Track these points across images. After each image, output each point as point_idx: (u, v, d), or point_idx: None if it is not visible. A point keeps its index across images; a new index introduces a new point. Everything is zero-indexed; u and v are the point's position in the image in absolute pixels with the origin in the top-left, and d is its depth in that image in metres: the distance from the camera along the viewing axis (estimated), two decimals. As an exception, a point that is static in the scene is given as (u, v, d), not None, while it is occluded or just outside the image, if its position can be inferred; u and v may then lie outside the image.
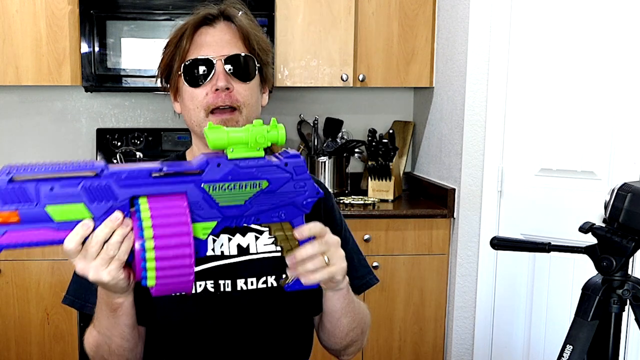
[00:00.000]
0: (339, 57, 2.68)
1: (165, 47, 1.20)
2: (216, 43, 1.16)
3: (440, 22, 2.68)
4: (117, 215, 0.83)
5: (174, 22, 2.54)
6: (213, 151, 0.90)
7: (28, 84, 2.59)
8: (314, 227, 0.97)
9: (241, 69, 1.17)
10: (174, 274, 0.84)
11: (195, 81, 1.16)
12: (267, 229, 0.97)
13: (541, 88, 2.25)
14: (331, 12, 2.65)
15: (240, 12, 1.21)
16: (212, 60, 1.15)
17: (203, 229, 0.88)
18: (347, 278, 1.07)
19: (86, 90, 2.75)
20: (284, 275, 0.99)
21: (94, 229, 0.83)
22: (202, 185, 0.87)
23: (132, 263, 0.87)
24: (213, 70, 1.15)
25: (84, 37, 2.53)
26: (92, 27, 2.52)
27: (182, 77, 1.16)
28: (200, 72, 1.15)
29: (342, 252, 1.01)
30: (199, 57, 1.15)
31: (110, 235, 0.84)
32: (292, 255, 0.96)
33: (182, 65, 1.16)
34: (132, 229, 0.84)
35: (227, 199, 0.88)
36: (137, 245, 0.83)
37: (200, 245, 0.88)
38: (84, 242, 0.84)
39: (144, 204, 0.83)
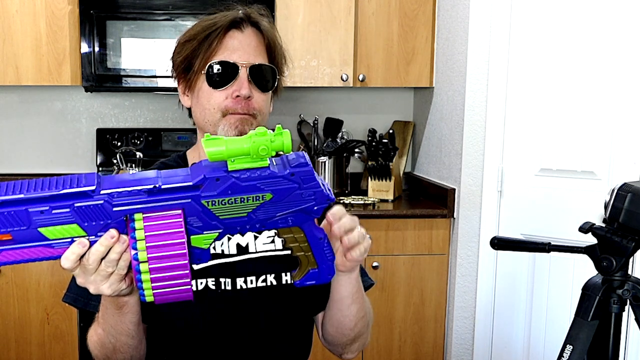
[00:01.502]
0: (339, 57, 2.68)
1: (186, 41, 1.20)
2: (243, 49, 1.18)
3: (440, 22, 2.68)
4: (112, 233, 0.82)
5: (174, 22, 2.55)
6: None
7: (28, 84, 2.59)
8: (340, 209, 0.97)
9: (263, 79, 1.19)
10: (172, 290, 0.83)
11: (217, 83, 1.17)
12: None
13: (541, 88, 2.25)
14: (331, 12, 2.65)
15: (264, 19, 1.22)
16: (237, 66, 1.16)
17: (204, 239, 0.86)
18: None
19: (86, 90, 2.75)
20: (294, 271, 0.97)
21: (90, 246, 0.82)
22: (200, 201, 0.83)
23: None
24: (237, 76, 1.16)
25: (84, 37, 2.53)
26: (92, 27, 2.52)
27: (204, 76, 1.17)
28: (224, 75, 1.16)
29: (364, 230, 1.01)
30: (225, 60, 1.16)
31: (107, 253, 0.83)
32: (339, 226, 0.95)
33: (207, 64, 1.17)
34: (129, 245, 0.83)
35: (229, 212, 0.85)
36: (133, 265, 0.82)
37: (202, 253, 0.87)
38: (81, 258, 0.83)
39: (139, 221, 0.81)
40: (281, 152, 0.84)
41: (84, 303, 1.16)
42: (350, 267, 1.03)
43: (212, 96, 1.17)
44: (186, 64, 1.20)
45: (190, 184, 0.82)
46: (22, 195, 0.78)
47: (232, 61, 1.17)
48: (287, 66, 1.26)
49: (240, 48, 1.18)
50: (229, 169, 0.82)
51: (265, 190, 0.84)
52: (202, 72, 1.17)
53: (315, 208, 0.89)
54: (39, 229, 0.79)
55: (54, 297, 2.43)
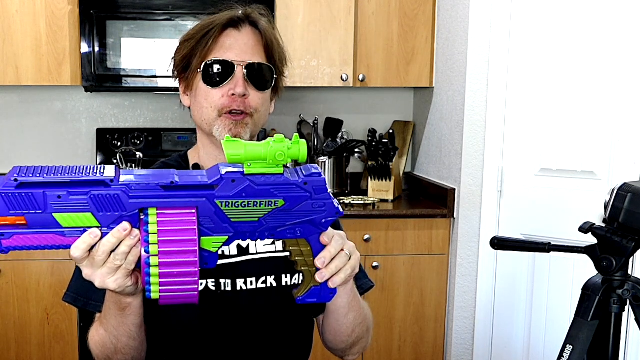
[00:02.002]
0: (339, 57, 2.68)
1: (185, 40, 1.21)
2: (240, 47, 1.18)
3: (440, 22, 2.68)
4: (125, 225, 0.82)
5: (174, 22, 2.55)
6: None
7: (28, 84, 2.59)
8: (330, 230, 0.95)
9: (260, 77, 1.19)
10: (179, 289, 0.83)
11: (214, 81, 1.17)
12: None
13: (541, 88, 2.25)
14: (331, 12, 2.65)
15: (264, 19, 1.22)
16: (233, 64, 1.17)
17: (214, 242, 0.87)
18: None
19: (86, 90, 2.75)
20: (295, 282, 0.97)
21: (101, 238, 0.83)
22: (214, 201, 0.84)
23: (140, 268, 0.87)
24: (233, 74, 1.17)
25: (84, 37, 2.53)
26: (92, 27, 2.52)
27: (201, 74, 1.18)
28: (220, 73, 1.17)
29: (352, 243, 0.99)
30: (221, 58, 1.17)
31: (118, 245, 0.83)
32: (322, 259, 0.93)
33: (203, 63, 1.17)
34: (140, 240, 0.83)
35: (240, 216, 0.86)
36: (143, 258, 0.82)
37: (210, 257, 0.87)
38: (91, 249, 0.83)
39: (152, 216, 0.82)
40: (296, 160, 0.86)
41: (84, 303, 1.16)
42: (347, 280, 1.01)
43: (209, 94, 1.18)
44: (185, 63, 1.21)
45: (207, 182, 0.84)
46: (41, 179, 0.79)
47: (227, 59, 1.17)
48: (287, 66, 1.26)
49: (236, 46, 1.18)
50: (245, 173, 0.84)
51: (278, 196, 0.86)
52: (199, 70, 1.18)
53: (324, 221, 0.90)
54: (54, 214, 0.80)
55: (54, 297, 2.43)
